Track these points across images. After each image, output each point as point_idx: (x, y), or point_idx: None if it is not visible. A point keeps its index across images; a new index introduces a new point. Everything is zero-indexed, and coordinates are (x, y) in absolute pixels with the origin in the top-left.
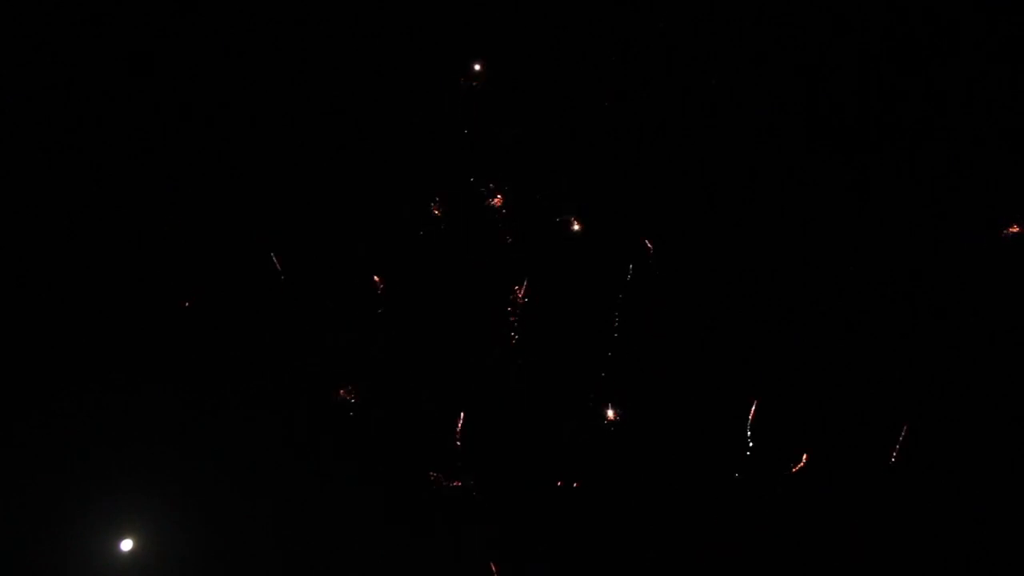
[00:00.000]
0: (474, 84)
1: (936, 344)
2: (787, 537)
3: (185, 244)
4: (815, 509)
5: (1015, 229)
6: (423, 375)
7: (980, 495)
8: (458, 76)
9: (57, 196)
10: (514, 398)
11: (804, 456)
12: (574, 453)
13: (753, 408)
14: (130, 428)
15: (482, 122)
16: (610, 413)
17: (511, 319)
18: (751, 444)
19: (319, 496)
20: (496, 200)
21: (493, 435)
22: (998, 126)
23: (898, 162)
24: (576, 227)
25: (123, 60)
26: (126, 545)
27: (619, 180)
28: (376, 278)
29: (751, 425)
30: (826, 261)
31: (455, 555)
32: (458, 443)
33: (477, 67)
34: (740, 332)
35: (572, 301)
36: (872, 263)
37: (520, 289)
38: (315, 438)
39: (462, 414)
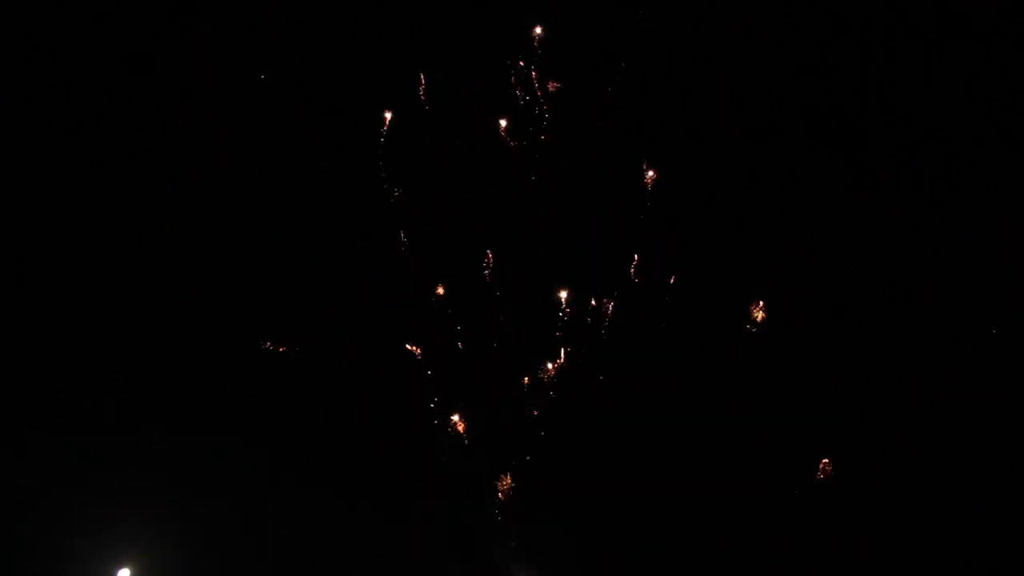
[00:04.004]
0: (474, 84)
1: (936, 344)
2: (787, 537)
3: (185, 244)
4: (814, 509)
5: (1015, 229)
6: (424, 378)
7: (980, 495)
8: (458, 76)
9: (57, 196)
10: (512, 399)
11: (803, 456)
12: (576, 451)
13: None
14: (127, 446)
15: (482, 122)
16: (608, 412)
17: (510, 319)
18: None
19: (319, 512)
20: (496, 199)
21: (492, 437)
22: (998, 126)
23: (898, 162)
24: (575, 227)
25: (123, 60)
26: (123, 575)
27: (618, 180)
28: (375, 279)
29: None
30: (826, 261)
31: (461, 563)
32: (458, 446)
33: (477, 67)
34: (740, 331)
35: (571, 300)
36: (872, 263)
37: (518, 286)
38: (315, 454)
39: (461, 415)
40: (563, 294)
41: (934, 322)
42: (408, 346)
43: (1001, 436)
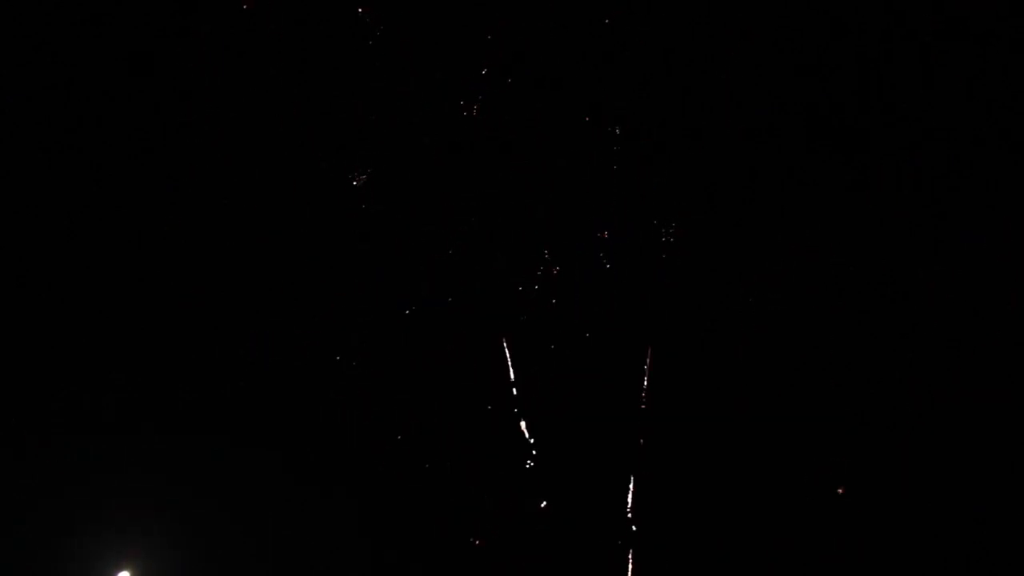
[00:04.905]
0: (474, 84)
1: (936, 344)
2: (786, 538)
3: (185, 244)
4: (812, 511)
5: (1015, 229)
6: (425, 383)
7: (980, 495)
8: (457, 77)
9: (57, 196)
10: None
11: (802, 457)
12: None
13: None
14: (127, 446)
15: (480, 123)
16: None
17: (509, 320)
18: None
19: (320, 513)
20: (495, 202)
21: (490, 440)
22: (998, 126)
23: (898, 162)
24: (574, 229)
25: (123, 60)
26: None
27: (617, 181)
28: (374, 280)
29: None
30: (826, 261)
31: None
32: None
33: (477, 67)
34: (740, 333)
35: (570, 302)
36: (872, 263)
37: (519, 291)
38: (315, 454)
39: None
40: (562, 295)
41: (934, 322)
42: (407, 346)
43: (1001, 436)
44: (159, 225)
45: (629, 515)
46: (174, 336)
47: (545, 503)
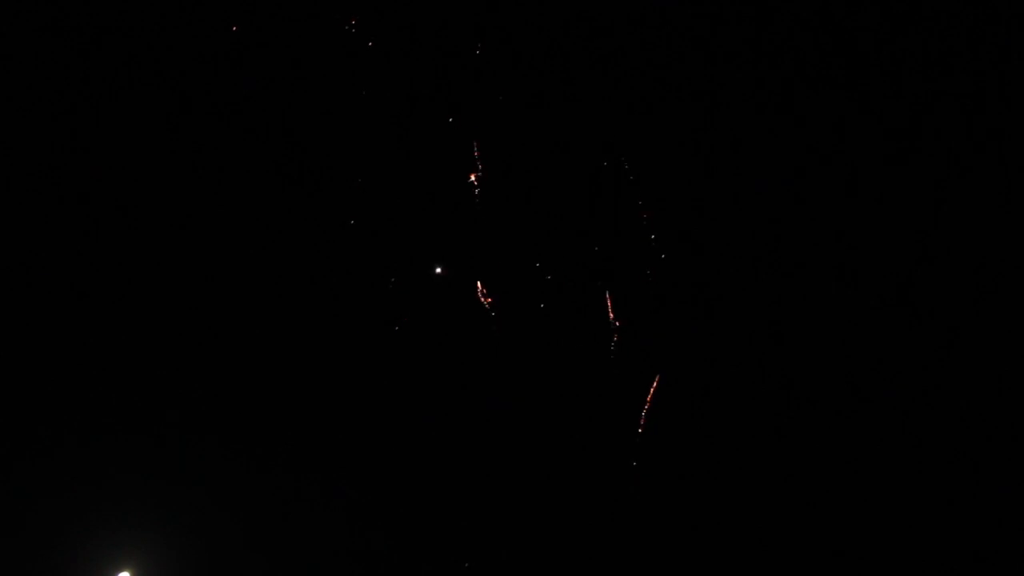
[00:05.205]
0: (474, 85)
1: (936, 345)
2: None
3: (185, 245)
4: (810, 510)
5: (1015, 229)
6: (424, 383)
7: (980, 495)
8: (450, 75)
9: (57, 196)
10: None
11: (801, 458)
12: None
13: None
14: (127, 446)
15: (476, 122)
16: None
17: (504, 321)
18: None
19: (322, 514)
20: (490, 200)
21: (487, 441)
22: (998, 126)
23: (898, 162)
24: (572, 230)
25: (123, 61)
26: None
27: (615, 181)
28: (373, 281)
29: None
30: (826, 261)
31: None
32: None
33: (468, 65)
34: (739, 333)
35: (568, 305)
36: (872, 263)
37: (515, 293)
38: (317, 455)
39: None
40: (562, 294)
41: (934, 322)
42: (408, 345)
43: (1001, 436)
44: (154, 226)
45: (628, 517)
46: (173, 336)
47: (542, 506)
